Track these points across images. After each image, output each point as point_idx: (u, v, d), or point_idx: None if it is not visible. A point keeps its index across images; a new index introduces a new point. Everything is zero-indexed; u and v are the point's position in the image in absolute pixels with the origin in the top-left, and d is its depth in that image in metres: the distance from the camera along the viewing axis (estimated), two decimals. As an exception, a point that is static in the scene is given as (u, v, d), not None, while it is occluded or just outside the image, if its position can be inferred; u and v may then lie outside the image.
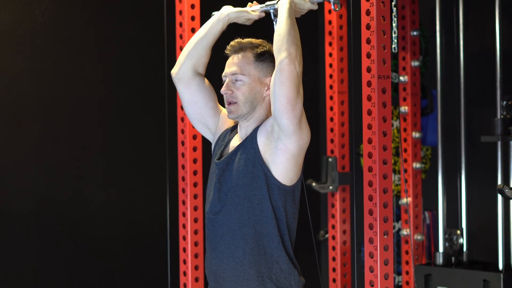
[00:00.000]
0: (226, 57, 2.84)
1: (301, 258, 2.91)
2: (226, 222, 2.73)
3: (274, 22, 2.88)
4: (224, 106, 2.90)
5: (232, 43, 2.79)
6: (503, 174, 3.95)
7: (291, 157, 2.67)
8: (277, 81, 2.60)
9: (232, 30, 2.97)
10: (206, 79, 2.98)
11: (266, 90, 2.75)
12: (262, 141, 2.70)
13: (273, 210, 2.69)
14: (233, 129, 2.89)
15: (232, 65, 2.77)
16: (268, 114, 2.77)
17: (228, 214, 2.73)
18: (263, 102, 2.77)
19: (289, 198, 2.71)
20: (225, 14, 2.93)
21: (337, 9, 2.86)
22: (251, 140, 2.73)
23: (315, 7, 2.87)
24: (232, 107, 2.76)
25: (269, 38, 2.79)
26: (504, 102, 3.90)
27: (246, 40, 2.79)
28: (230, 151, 2.79)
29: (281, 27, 2.68)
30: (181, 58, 2.97)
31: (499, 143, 3.94)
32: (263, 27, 3.14)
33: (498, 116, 3.92)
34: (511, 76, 3.62)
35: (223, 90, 2.77)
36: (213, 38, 2.94)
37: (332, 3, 2.85)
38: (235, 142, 2.81)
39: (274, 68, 2.66)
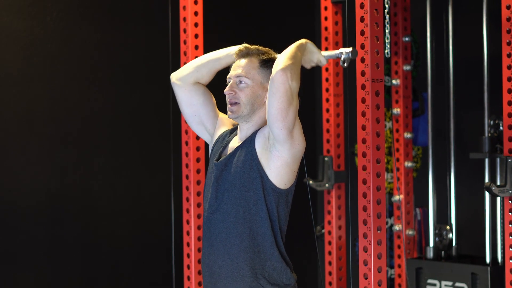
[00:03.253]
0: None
1: (299, 252, 2.95)
2: (222, 220, 2.75)
3: None
4: (222, 111, 2.95)
5: (240, 47, 2.83)
6: (490, 172, 4.01)
7: (285, 164, 2.70)
8: (269, 91, 2.63)
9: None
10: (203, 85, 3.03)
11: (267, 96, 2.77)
12: (259, 145, 2.72)
13: (267, 211, 2.71)
14: (232, 131, 2.91)
15: (238, 68, 2.79)
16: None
17: (225, 213, 2.75)
18: (263, 106, 2.78)
19: (282, 200, 2.74)
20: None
21: (345, 65, 2.87)
22: (249, 143, 2.75)
23: (324, 62, 2.88)
24: (234, 107, 2.77)
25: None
26: (492, 122, 3.95)
27: (253, 46, 2.82)
28: (229, 152, 2.81)
29: (286, 51, 2.73)
30: (188, 68, 3.00)
31: (486, 159, 3.99)
32: (268, 39, 3.20)
33: (486, 134, 3.96)
34: (498, 79, 3.67)
35: (226, 90, 2.79)
36: (226, 64, 2.98)
37: (341, 60, 2.86)
38: (234, 143, 2.83)
39: None
